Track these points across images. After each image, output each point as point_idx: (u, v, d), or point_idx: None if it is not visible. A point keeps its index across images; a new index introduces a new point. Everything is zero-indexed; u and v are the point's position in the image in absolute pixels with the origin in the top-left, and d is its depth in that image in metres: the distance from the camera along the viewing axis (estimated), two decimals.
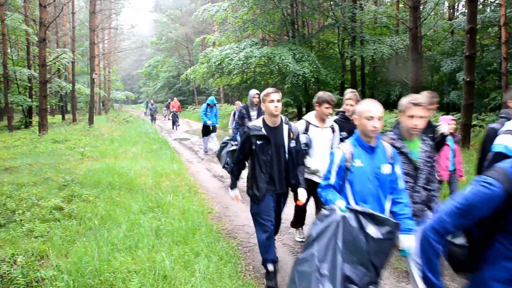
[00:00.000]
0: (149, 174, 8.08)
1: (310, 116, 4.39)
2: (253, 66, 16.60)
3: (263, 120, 3.66)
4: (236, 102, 11.95)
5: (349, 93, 4.68)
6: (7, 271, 3.60)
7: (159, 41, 46.25)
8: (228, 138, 7.39)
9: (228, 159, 6.73)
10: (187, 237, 4.57)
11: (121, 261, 3.84)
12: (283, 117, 3.77)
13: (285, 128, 3.68)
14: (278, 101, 3.55)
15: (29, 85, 23.38)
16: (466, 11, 10.39)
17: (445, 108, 17.69)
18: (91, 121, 21.27)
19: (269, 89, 3.60)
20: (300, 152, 3.82)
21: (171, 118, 24.63)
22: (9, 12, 20.98)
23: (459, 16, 21.22)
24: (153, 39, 48.82)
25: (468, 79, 9.70)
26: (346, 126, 4.47)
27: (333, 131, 4.35)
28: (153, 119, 24.98)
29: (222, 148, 7.20)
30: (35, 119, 22.60)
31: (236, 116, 8.26)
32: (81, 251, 4.08)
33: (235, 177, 3.92)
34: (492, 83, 16.05)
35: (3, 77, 20.69)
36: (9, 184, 7.04)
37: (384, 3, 24.59)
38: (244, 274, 3.90)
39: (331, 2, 18.32)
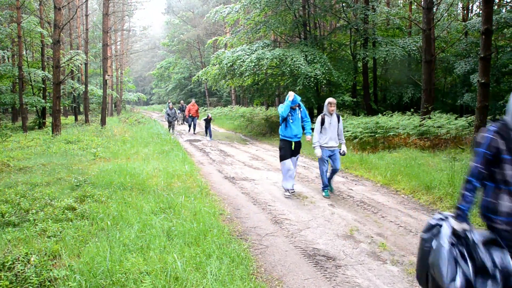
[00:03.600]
0: (161, 175, 8.10)
1: None
2: (265, 68, 16.54)
3: None
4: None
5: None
6: (21, 270, 3.62)
7: (171, 43, 46.59)
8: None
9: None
10: (199, 238, 4.56)
11: (132, 262, 3.84)
12: None
13: None
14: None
15: (43, 86, 23.73)
16: (481, 12, 10.23)
17: (458, 110, 17.45)
18: (103, 122, 21.47)
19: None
20: None
21: (185, 123, 24.00)
22: (25, 15, 21.34)
23: (473, 17, 20.93)
24: (165, 40, 49.20)
25: (483, 81, 9.52)
26: None
27: None
28: (171, 126, 20.32)
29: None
30: (49, 120, 22.93)
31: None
32: (93, 251, 4.09)
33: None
34: (507, 85, 15.78)
35: (18, 78, 21.05)
36: (23, 184, 7.12)
37: (396, 4, 24.38)
38: (256, 277, 3.86)
39: (343, 4, 18.21)
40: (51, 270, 3.71)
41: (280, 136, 7.22)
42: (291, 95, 6.86)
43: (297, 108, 7.12)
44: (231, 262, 4.00)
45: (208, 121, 17.63)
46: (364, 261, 4.25)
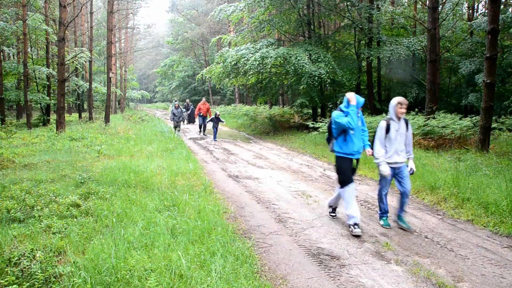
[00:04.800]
0: (165, 173, 8.12)
1: None
2: (269, 67, 16.50)
3: None
4: None
5: None
6: (27, 265, 3.64)
7: (175, 41, 46.58)
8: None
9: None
10: (203, 236, 4.57)
11: (137, 259, 3.85)
12: None
13: None
14: None
15: (48, 83, 23.80)
16: (488, 11, 10.17)
17: (462, 110, 17.38)
18: (107, 119, 21.54)
19: None
20: None
21: (191, 123, 23.46)
22: (30, 13, 21.41)
23: (479, 16, 20.82)
24: (169, 38, 49.16)
25: (488, 81, 9.49)
26: None
27: None
28: (177, 126, 17.91)
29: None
30: (53, 117, 23.02)
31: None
32: (98, 248, 4.11)
33: None
34: None
35: (23, 75, 21.16)
36: (28, 180, 7.16)
37: (401, 3, 24.28)
38: (260, 275, 3.87)
39: (348, 3, 18.14)
40: (56, 266, 3.73)
41: (336, 154, 5.42)
42: (352, 98, 5.17)
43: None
44: (235, 260, 4.00)
45: (216, 120, 16.31)
46: (368, 261, 4.24)
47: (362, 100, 5.26)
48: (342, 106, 5.31)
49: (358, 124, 5.29)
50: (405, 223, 5.21)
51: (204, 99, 18.97)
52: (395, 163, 5.18)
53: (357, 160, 5.44)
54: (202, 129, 18.88)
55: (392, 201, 6.16)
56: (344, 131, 5.28)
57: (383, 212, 5.44)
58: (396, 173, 5.22)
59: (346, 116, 5.15)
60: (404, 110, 5.12)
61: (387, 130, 5.18)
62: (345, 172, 5.29)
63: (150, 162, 9.35)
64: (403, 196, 5.21)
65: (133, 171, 8.03)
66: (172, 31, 50.07)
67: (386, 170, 5.08)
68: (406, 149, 5.29)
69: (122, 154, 10.82)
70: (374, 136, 5.40)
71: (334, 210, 5.80)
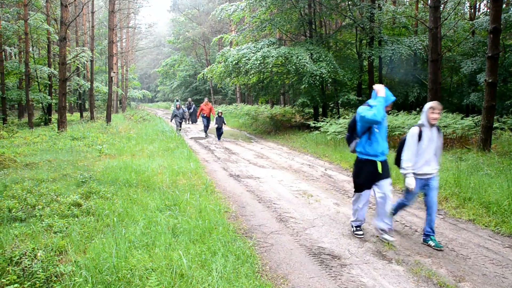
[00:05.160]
0: (166, 173, 8.12)
1: None
2: (270, 66, 16.51)
3: None
4: None
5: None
6: (28, 265, 3.65)
7: (176, 40, 46.63)
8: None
9: None
10: (204, 236, 4.57)
11: (138, 259, 3.85)
12: None
13: None
14: None
15: (49, 83, 23.86)
16: (490, 10, 10.16)
17: (464, 110, 17.35)
18: (108, 119, 21.57)
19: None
20: None
21: (193, 123, 23.34)
22: (32, 12, 21.45)
23: (481, 16, 20.78)
24: (170, 38, 49.24)
25: (490, 81, 9.47)
26: None
27: None
28: (179, 128, 17.70)
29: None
30: (54, 116, 23.05)
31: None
32: (99, 247, 4.11)
33: None
34: None
35: (24, 75, 21.19)
36: (30, 180, 7.17)
37: (403, 3, 24.24)
38: (261, 275, 3.87)
39: (349, 2, 18.11)
40: (57, 265, 3.74)
41: (358, 155, 4.92)
42: (381, 89, 4.66)
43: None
44: (236, 259, 4.00)
45: (220, 120, 15.97)
46: (369, 260, 4.24)
47: (392, 96, 4.69)
48: (369, 101, 4.79)
49: (385, 123, 4.82)
50: (437, 243, 4.60)
51: (206, 99, 18.38)
52: (425, 174, 4.66)
53: (383, 163, 4.80)
54: (206, 130, 18.16)
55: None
56: (369, 129, 4.75)
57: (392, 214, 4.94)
58: (424, 184, 4.70)
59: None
60: (437, 116, 4.56)
61: (419, 138, 4.60)
62: (365, 176, 4.83)
63: (151, 162, 9.36)
64: (430, 210, 4.70)
65: (134, 171, 8.03)
66: (174, 30, 50.12)
67: (412, 184, 4.58)
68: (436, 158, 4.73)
69: (124, 154, 10.83)
70: (400, 144, 4.89)
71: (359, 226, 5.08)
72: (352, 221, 5.08)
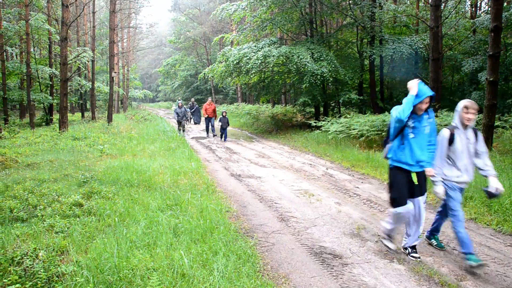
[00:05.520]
0: (167, 172, 8.13)
1: None
2: (271, 65, 16.52)
3: None
4: None
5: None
6: (30, 265, 3.66)
7: (177, 40, 46.66)
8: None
9: None
10: (205, 235, 4.57)
11: (139, 258, 3.86)
12: None
13: None
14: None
15: (50, 83, 23.89)
16: (491, 9, 10.13)
17: None
18: (109, 119, 21.59)
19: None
20: None
21: (195, 123, 23.26)
22: (33, 13, 21.48)
23: (482, 14, 20.74)
24: (171, 38, 49.26)
25: (491, 79, 9.45)
26: None
27: None
28: (181, 128, 17.82)
29: None
30: (56, 116, 23.12)
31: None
32: (100, 247, 4.11)
33: None
34: None
35: (26, 75, 21.22)
36: (31, 180, 7.18)
37: (404, 1, 24.21)
38: (262, 274, 3.87)
39: (350, 1, 18.11)
40: (59, 265, 3.74)
41: (390, 162, 4.26)
42: (413, 86, 3.98)
43: (424, 112, 4.06)
44: (237, 259, 4.00)
45: (224, 120, 15.86)
46: (371, 260, 4.23)
47: (428, 91, 3.94)
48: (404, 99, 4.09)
49: (425, 128, 4.06)
50: (439, 243, 4.59)
51: (210, 99, 18.08)
52: (464, 182, 4.14)
53: (420, 174, 4.10)
54: (209, 131, 17.94)
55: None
56: (401, 131, 4.10)
57: (468, 253, 3.97)
58: (460, 189, 4.17)
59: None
60: (472, 116, 4.00)
61: (451, 141, 4.08)
62: (397, 188, 4.11)
63: (153, 161, 9.37)
64: (449, 216, 4.27)
65: (136, 170, 8.04)
66: (175, 30, 50.17)
67: (441, 192, 4.07)
68: (481, 164, 4.10)
69: (125, 154, 10.84)
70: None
71: (414, 247, 4.34)
72: (403, 245, 4.37)
